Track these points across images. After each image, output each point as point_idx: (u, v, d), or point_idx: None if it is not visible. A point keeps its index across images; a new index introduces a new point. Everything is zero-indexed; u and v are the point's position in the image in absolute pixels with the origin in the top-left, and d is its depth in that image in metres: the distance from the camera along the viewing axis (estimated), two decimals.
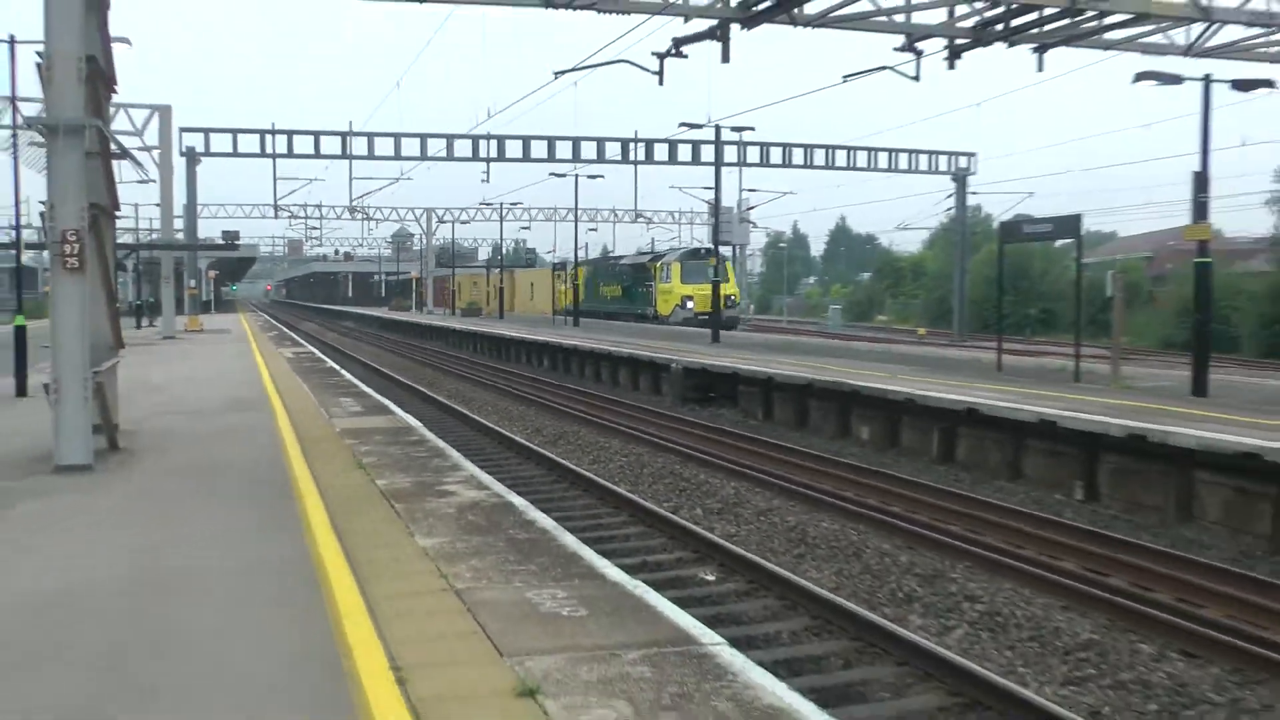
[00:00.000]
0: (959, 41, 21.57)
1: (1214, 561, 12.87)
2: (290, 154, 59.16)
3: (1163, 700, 9.00)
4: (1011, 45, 21.65)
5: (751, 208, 72.41)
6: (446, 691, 5.93)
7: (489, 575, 8.22)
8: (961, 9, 20.96)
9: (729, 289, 56.20)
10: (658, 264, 61.30)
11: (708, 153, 55.22)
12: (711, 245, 55.06)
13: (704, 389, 29.37)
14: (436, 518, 10.24)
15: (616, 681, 6.06)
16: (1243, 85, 22.12)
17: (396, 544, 9.21)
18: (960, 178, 63.27)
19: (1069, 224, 25.39)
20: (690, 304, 56.50)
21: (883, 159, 62.88)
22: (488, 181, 62.88)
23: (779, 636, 10.33)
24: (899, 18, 20.86)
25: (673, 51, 21.26)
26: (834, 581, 12.43)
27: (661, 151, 60.76)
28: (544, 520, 10.28)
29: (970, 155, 63.73)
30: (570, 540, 9.48)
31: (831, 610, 10.68)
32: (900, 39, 21.48)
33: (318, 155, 59.33)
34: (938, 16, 21.25)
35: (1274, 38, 22.06)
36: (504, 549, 9.03)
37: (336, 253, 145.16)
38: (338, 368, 31.08)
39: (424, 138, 59.55)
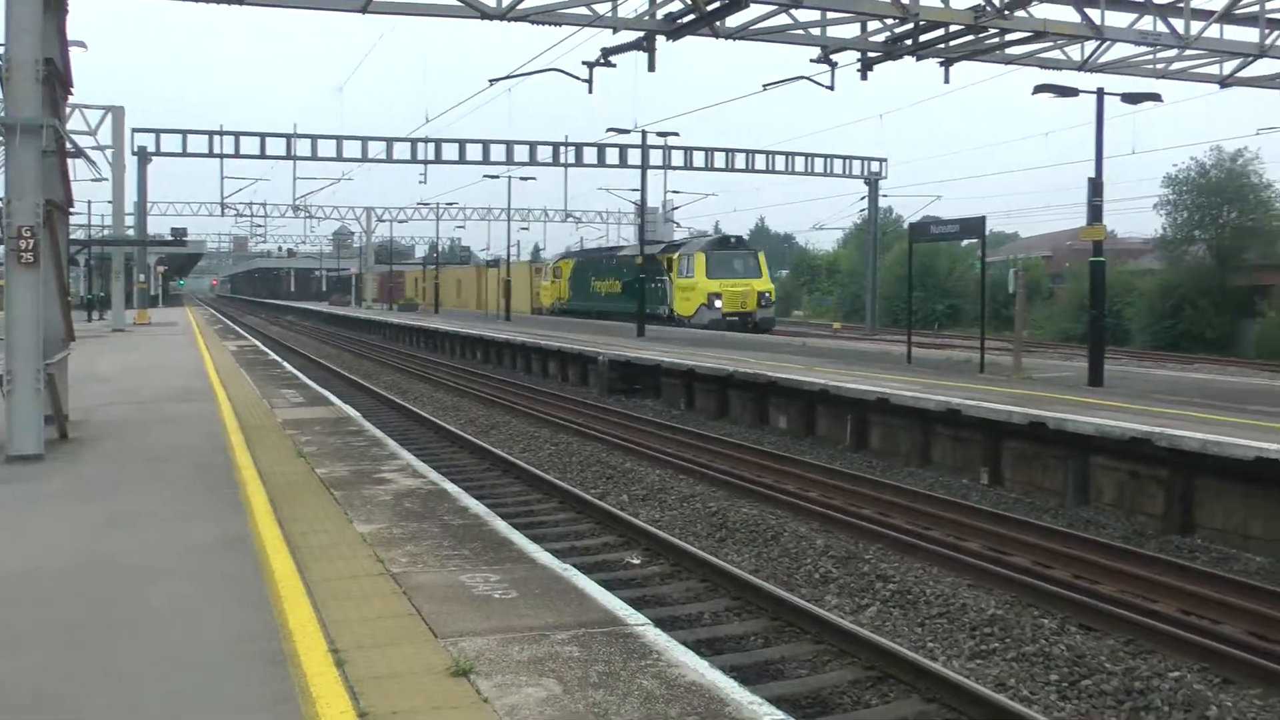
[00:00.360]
0: (871, 54, 21.74)
1: (1109, 540, 13.05)
2: (237, 154, 58.62)
3: (1063, 670, 9.09)
4: (920, 59, 21.84)
5: (676, 208, 72.30)
6: (383, 671, 5.86)
7: (424, 560, 8.15)
8: (873, 25, 21.11)
9: (763, 285, 47.96)
10: (675, 255, 49.89)
11: (634, 156, 55.23)
12: (736, 236, 50.25)
13: (629, 381, 29.29)
14: (374, 504, 10.15)
15: (546, 661, 6.03)
16: (1132, 98, 22.43)
17: (335, 530, 9.11)
18: (872, 181, 63.72)
19: (974, 225, 25.60)
20: (719, 303, 46.12)
21: (800, 163, 63.22)
22: (425, 183, 62.63)
23: (701, 617, 10.31)
24: (815, 31, 20.95)
25: (602, 61, 21.27)
26: (753, 564, 12.44)
27: (591, 155, 60.71)
28: (477, 507, 10.22)
29: (882, 160, 64.23)
30: (502, 526, 9.43)
31: (751, 591, 10.67)
32: (817, 51, 21.59)
33: (263, 156, 58.84)
34: (851, 31, 21.38)
35: (1160, 55, 22.37)
36: (439, 534, 8.96)
37: (280, 249, 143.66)
38: (280, 360, 30.80)
39: (364, 140, 59.28)
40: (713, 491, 16.33)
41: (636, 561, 12.27)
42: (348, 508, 9.97)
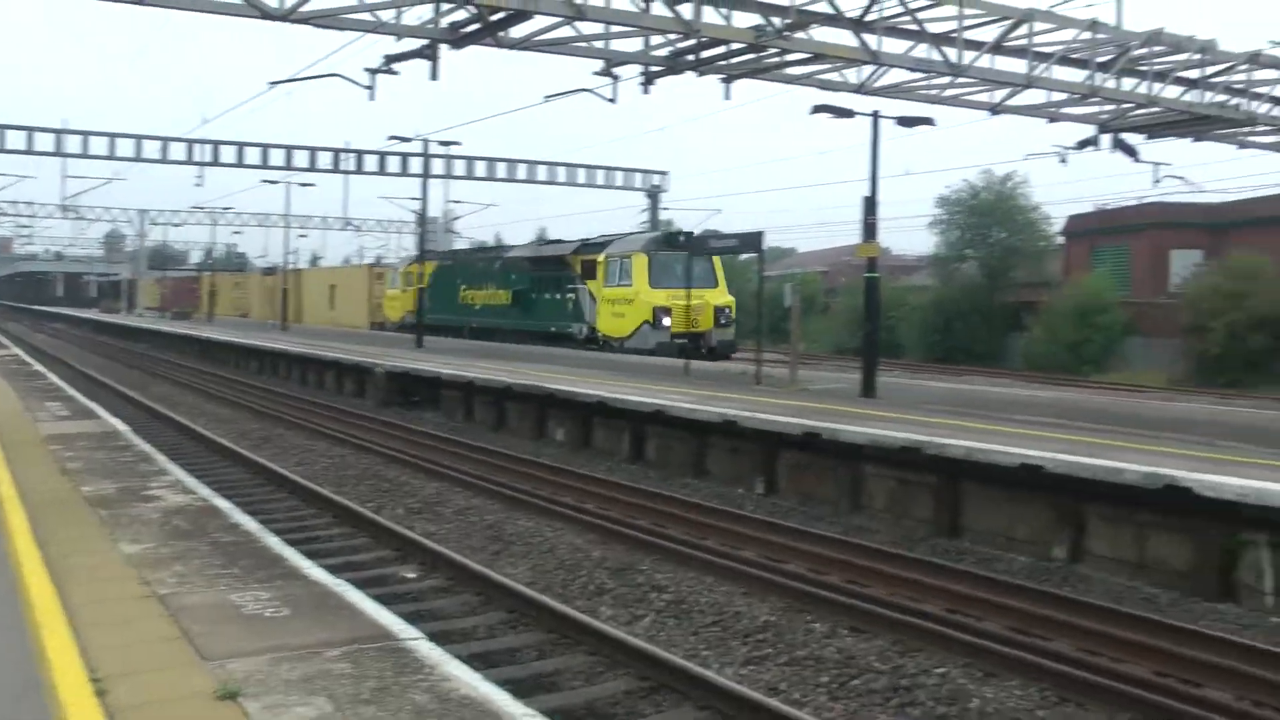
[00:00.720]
0: (653, 68, 21.96)
1: (880, 545, 13.46)
2: (1, 149, 56.03)
3: (833, 672, 9.39)
4: (702, 74, 22.16)
5: (457, 218, 71.96)
6: (147, 698, 5.71)
7: (193, 580, 7.95)
8: (656, 39, 21.34)
9: (720, 296, 36.28)
10: (601, 256, 37.70)
11: (416, 165, 54.68)
12: (684, 231, 39.76)
13: (407, 393, 29.07)
14: (141, 523, 9.85)
15: (317, 679, 5.97)
16: (906, 122, 23.21)
17: (100, 551, 8.80)
18: (653, 194, 64.44)
19: (752, 239, 26.18)
20: (667, 321, 34.60)
21: (581, 175, 63.53)
22: (201, 185, 60.83)
23: (476, 631, 10.31)
24: (599, 44, 21.10)
25: (384, 68, 21.06)
26: (530, 576, 12.46)
27: (372, 162, 60.02)
28: (249, 523, 10.02)
29: (663, 173, 64.99)
30: (274, 542, 9.28)
31: (527, 604, 10.73)
32: (600, 64, 21.76)
33: (30, 151, 56.31)
34: (635, 44, 21.58)
35: (933, 81, 23.19)
36: (209, 553, 8.75)
37: (47, 252, 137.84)
38: (44, 370, 29.65)
39: (139, 139, 57.33)
40: (490, 504, 16.38)
41: (412, 575, 12.19)
42: (114, 527, 9.65)
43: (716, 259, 36.65)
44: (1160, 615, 10.88)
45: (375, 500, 16.78)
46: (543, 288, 41.52)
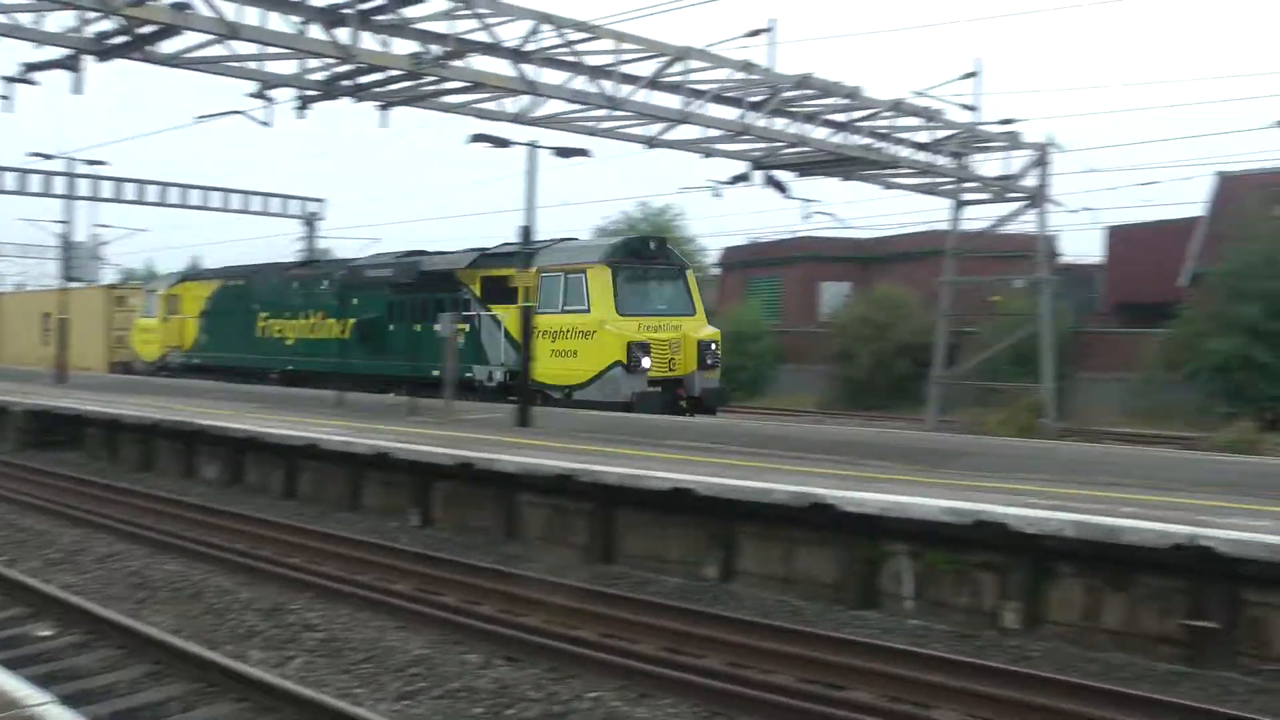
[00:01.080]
0: (309, 92, 21.66)
1: (535, 574, 13.61)
2: None
3: (488, 703, 9.46)
4: (359, 100, 21.98)
5: (104, 243, 68.66)
6: None
7: None
8: (313, 63, 21.05)
9: (700, 328, 27.34)
10: (532, 270, 24.01)
11: (61, 184, 51.91)
12: (655, 237, 30.61)
13: (47, 432, 27.54)
14: None
15: None
16: (563, 153, 23.58)
17: None
18: (310, 221, 63.28)
19: (408, 267, 26.12)
20: (646, 362, 25.30)
21: (236, 200, 61.76)
22: None
23: (117, 687, 9.80)
24: (253, 65, 20.67)
25: (22, 77, 20.00)
26: (175, 624, 12.03)
27: (11, 180, 56.60)
28: None
29: (320, 200, 63.85)
30: None
31: (171, 653, 10.34)
32: (255, 85, 21.28)
33: None
34: (290, 67, 21.22)
35: (591, 113, 23.71)
36: None
37: None
38: None
39: None
40: (134, 549, 15.76)
41: (48, 633, 11.53)
42: None
43: (691, 277, 28.41)
44: (807, 625, 11.56)
45: (8, 553, 15.79)
46: (412, 315, 30.39)
